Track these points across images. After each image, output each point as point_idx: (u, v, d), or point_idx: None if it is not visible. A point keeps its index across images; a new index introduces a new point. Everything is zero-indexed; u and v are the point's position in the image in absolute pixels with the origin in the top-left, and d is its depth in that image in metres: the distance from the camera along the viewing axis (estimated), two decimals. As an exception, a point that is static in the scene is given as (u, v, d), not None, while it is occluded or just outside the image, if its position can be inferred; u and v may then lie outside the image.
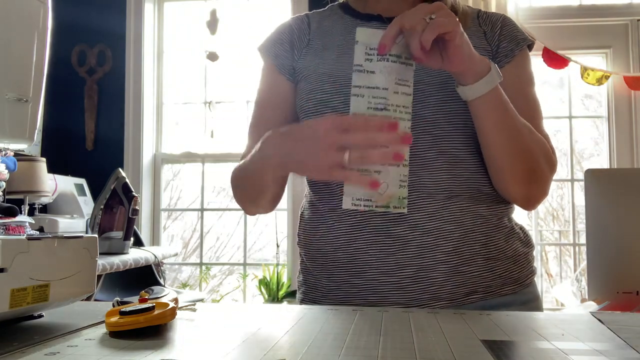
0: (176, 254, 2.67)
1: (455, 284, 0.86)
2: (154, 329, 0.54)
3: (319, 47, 0.99)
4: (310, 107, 0.94)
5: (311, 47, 1.00)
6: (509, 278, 0.90)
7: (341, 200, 0.82)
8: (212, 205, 3.31)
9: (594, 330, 0.59)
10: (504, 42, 0.96)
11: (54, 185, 2.52)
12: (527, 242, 0.97)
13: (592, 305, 1.79)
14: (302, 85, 0.98)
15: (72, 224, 2.55)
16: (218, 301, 3.07)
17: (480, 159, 0.90)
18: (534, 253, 0.99)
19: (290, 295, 2.85)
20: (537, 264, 1.25)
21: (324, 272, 0.93)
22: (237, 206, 1.03)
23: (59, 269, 0.57)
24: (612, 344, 0.53)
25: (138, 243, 2.37)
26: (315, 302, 0.94)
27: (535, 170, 0.87)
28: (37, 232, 1.65)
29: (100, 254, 1.79)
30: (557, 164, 0.93)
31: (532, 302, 0.93)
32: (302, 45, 1.01)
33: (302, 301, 0.98)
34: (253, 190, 0.94)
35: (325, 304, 0.91)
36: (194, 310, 0.68)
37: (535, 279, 0.97)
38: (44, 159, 2.31)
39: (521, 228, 0.98)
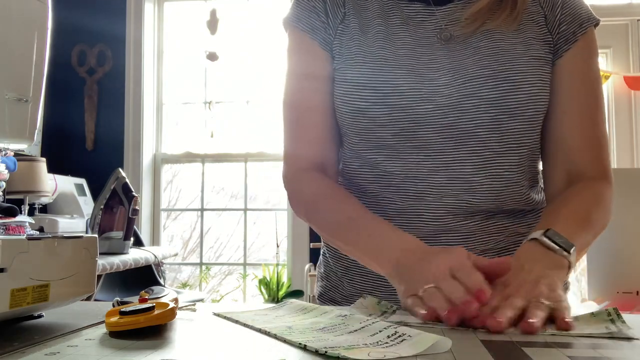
0: (176, 254, 2.67)
1: None
2: (154, 329, 0.54)
3: (356, 28, 0.84)
4: (346, 112, 0.83)
5: (346, 25, 0.85)
6: None
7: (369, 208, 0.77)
8: (211, 205, 3.31)
9: (593, 330, 0.59)
10: (564, 24, 0.83)
11: (54, 185, 2.52)
12: None
13: (592, 305, 1.79)
14: (336, 82, 0.84)
15: (72, 224, 2.55)
16: (218, 301, 3.07)
17: (526, 177, 0.83)
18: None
19: (291, 295, 2.85)
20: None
21: (346, 276, 0.88)
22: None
23: (59, 269, 0.57)
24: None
25: (138, 243, 2.37)
26: (334, 302, 0.90)
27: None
28: (37, 232, 1.65)
29: (100, 254, 1.79)
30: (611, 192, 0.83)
31: None
32: (336, 21, 0.85)
33: (320, 296, 0.93)
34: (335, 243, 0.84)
35: (344, 305, 0.85)
36: (194, 310, 0.68)
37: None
38: (44, 159, 2.31)
39: None
